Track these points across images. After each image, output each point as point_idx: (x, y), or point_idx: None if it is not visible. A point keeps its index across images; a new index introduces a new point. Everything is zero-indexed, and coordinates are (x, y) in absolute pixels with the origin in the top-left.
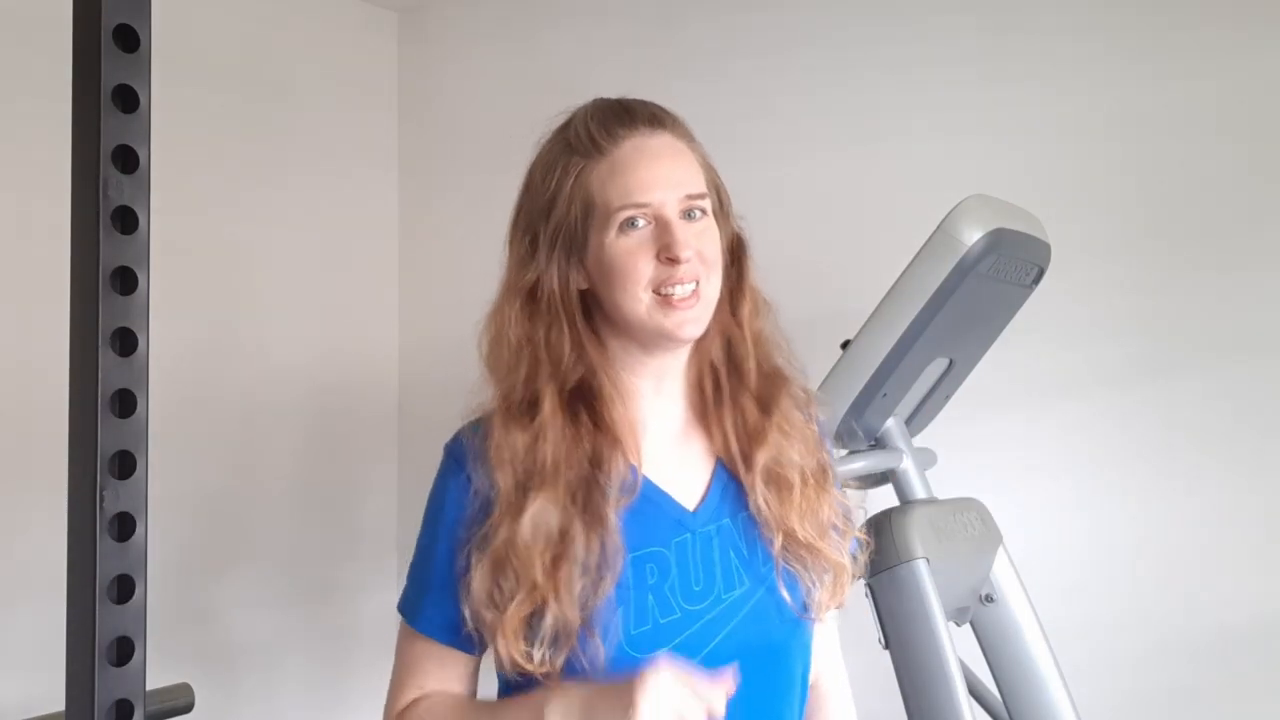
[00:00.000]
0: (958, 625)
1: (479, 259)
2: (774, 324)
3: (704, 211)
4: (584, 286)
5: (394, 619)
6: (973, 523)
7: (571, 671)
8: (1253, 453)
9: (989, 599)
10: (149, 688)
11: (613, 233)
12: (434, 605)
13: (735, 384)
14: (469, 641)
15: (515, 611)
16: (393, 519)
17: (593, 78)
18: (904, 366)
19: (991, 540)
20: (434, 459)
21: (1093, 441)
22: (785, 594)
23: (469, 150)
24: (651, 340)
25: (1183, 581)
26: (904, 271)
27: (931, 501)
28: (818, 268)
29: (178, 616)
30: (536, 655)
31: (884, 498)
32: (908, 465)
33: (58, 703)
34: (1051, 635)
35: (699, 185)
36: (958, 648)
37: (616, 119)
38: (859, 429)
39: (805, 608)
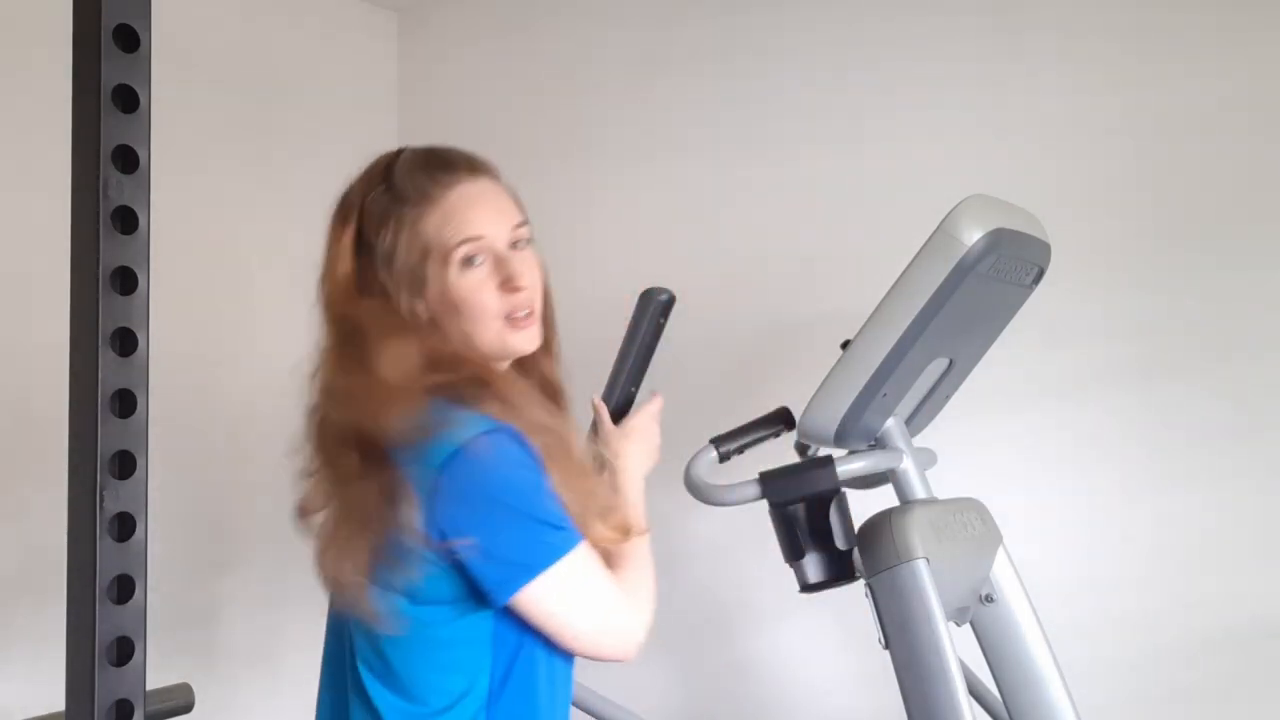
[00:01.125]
0: (958, 625)
1: None
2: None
3: (527, 240)
4: (426, 317)
5: None
6: (973, 523)
7: None
8: (1252, 452)
9: (989, 599)
10: (149, 688)
11: (454, 271)
12: (565, 517)
13: (541, 381)
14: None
15: (585, 500)
16: None
17: (592, 78)
18: (904, 366)
19: (991, 540)
20: None
21: (1093, 441)
22: None
23: (469, 149)
24: (497, 357)
25: (1183, 581)
26: (904, 271)
27: (931, 501)
28: (818, 268)
29: (178, 616)
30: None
31: (884, 498)
32: (908, 465)
33: (58, 703)
34: (1051, 635)
35: (520, 215)
36: (958, 648)
37: (441, 169)
38: (859, 429)
39: None
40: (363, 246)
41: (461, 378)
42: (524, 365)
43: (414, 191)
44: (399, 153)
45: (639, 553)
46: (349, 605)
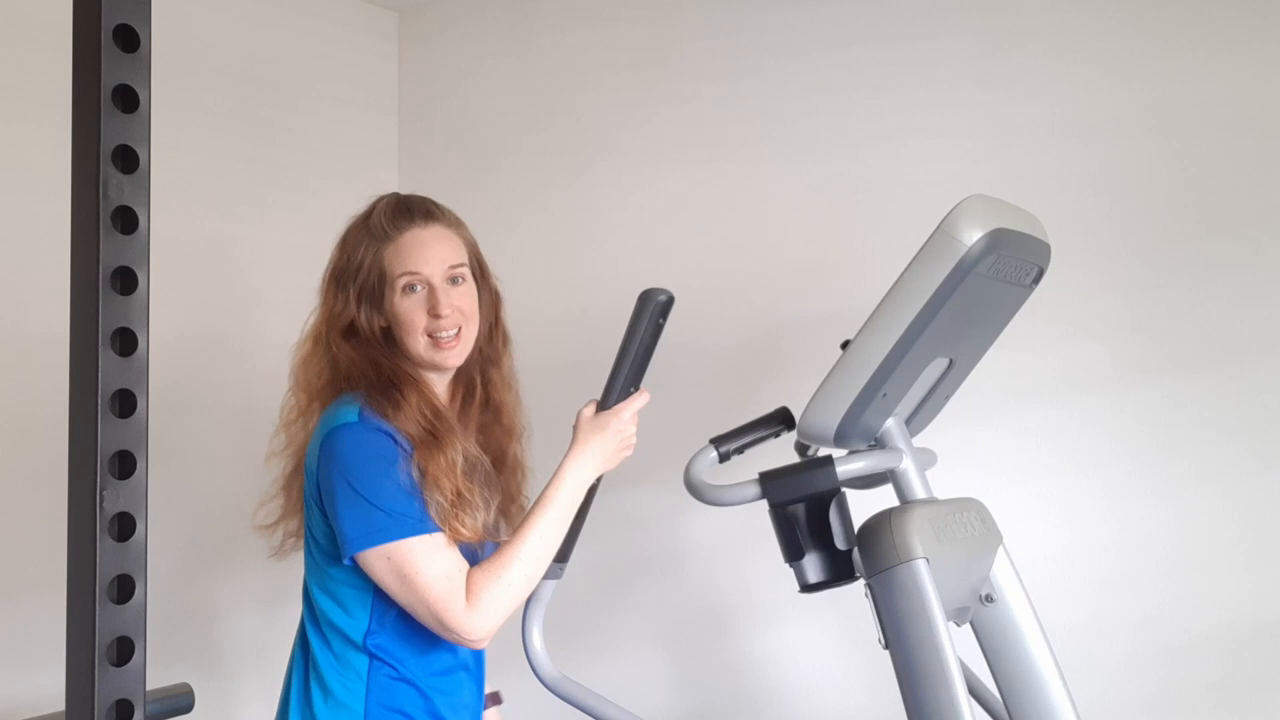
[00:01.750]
0: (958, 625)
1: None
2: (511, 358)
3: (464, 278)
4: (384, 325)
5: None
6: (973, 523)
7: None
8: (1251, 452)
9: (989, 599)
10: (149, 688)
11: (398, 294)
12: (417, 509)
13: (485, 401)
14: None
15: (451, 500)
16: None
17: (592, 78)
18: (904, 366)
19: (991, 540)
20: None
21: (1092, 441)
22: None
23: (469, 150)
24: (427, 367)
25: (1183, 581)
26: (904, 271)
27: (931, 501)
28: (818, 268)
29: (178, 616)
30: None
31: (884, 498)
32: (908, 465)
33: (58, 703)
34: (1051, 635)
35: (459, 258)
36: (958, 648)
37: (401, 215)
38: (859, 429)
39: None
40: (343, 266)
41: (375, 379)
42: (467, 379)
43: (380, 230)
44: (383, 198)
45: (521, 552)
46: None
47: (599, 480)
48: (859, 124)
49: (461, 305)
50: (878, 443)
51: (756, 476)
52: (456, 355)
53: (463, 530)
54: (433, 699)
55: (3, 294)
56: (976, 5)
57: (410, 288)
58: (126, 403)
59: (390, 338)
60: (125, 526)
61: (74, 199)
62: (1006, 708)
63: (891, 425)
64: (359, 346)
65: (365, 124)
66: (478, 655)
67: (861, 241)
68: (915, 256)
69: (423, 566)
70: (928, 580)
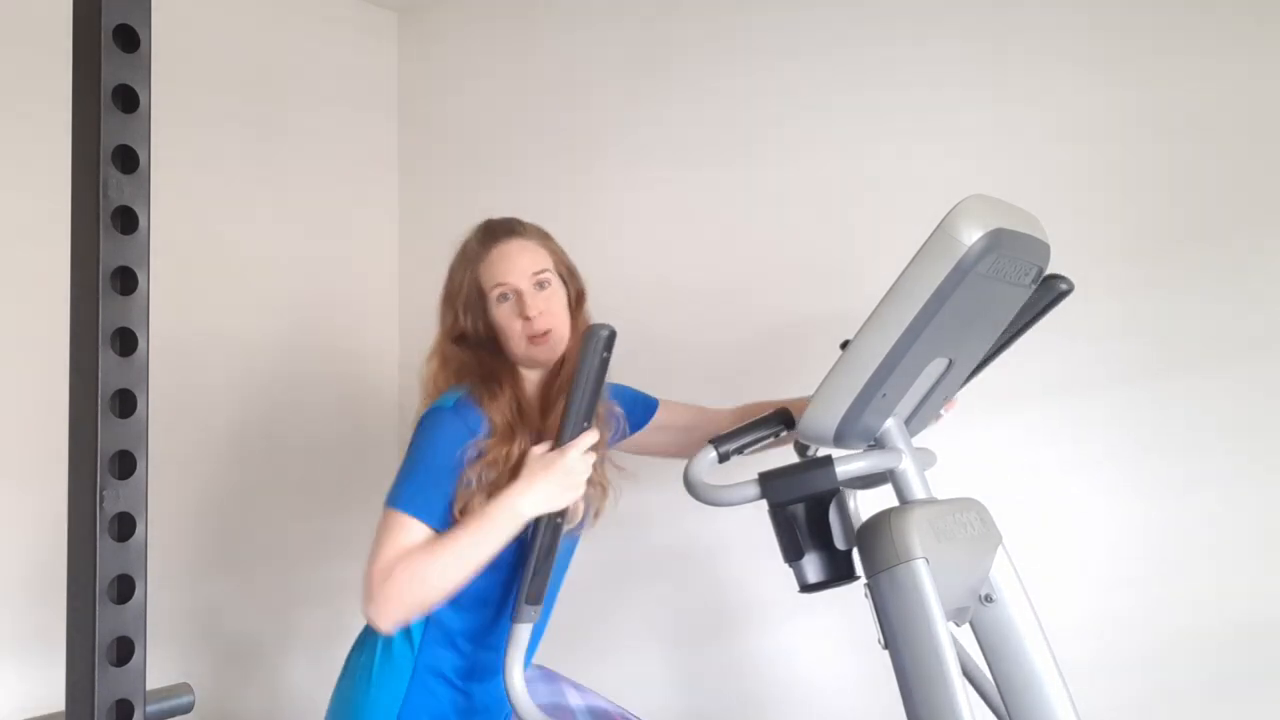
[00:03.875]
0: (957, 625)
1: None
2: None
3: (549, 283)
4: (489, 335)
5: None
6: (972, 523)
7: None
8: (1251, 452)
9: (989, 599)
10: (149, 688)
11: (493, 304)
12: (440, 504)
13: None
14: (446, 526)
15: (487, 491)
16: None
17: (591, 78)
18: (903, 366)
19: (991, 540)
20: None
21: (1092, 441)
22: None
23: (469, 150)
24: (528, 363)
25: (1183, 581)
26: (903, 271)
27: (931, 501)
28: (818, 268)
29: (178, 616)
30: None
31: (884, 498)
32: (907, 465)
33: (58, 703)
34: (1051, 635)
35: (543, 265)
36: (959, 647)
37: (487, 235)
38: (858, 429)
39: (581, 524)
40: (449, 290)
41: (480, 373)
42: (560, 372)
43: (472, 252)
44: (475, 226)
45: (437, 554)
46: None
47: (569, 525)
48: (859, 124)
49: (548, 307)
50: (877, 443)
51: (756, 476)
52: (549, 351)
53: (472, 509)
54: (473, 676)
55: (3, 294)
56: (977, 5)
57: (503, 297)
58: (126, 403)
59: (495, 345)
60: (125, 526)
61: (74, 199)
62: (1006, 708)
63: (891, 425)
64: (468, 349)
65: (365, 124)
66: (530, 647)
67: (861, 241)
68: (915, 256)
69: (390, 539)
70: (927, 580)
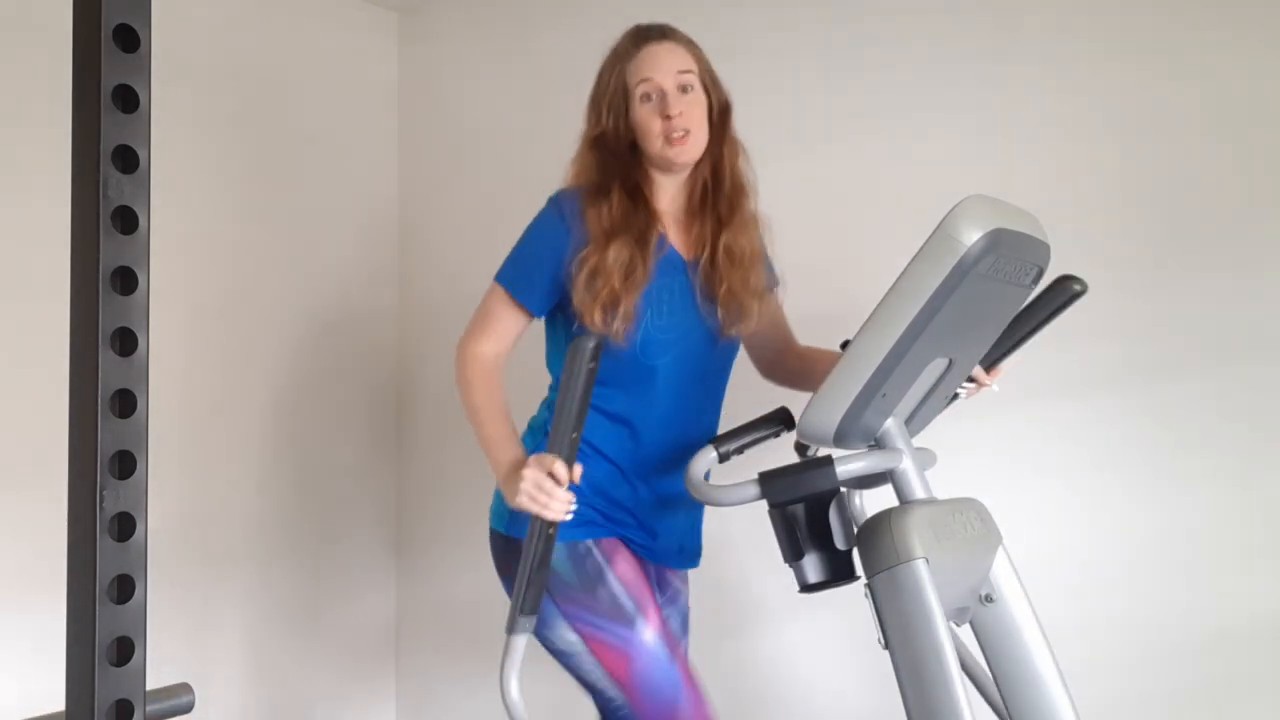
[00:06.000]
0: (958, 625)
1: (479, 258)
2: (747, 163)
3: (692, 86)
4: (630, 139)
5: (393, 618)
6: (972, 523)
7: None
8: (1250, 453)
9: (989, 599)
10: (149, 688)
11: (636, 103)
12: (535, 287)
13: (715, 195)
14: (539, 311)
15: (602, 300)
16: (392, 520)
17: (592, 78)
18: (903, 366)
19: (991, 540)
20: (433, 462)
21: (1092, 442)
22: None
23: (469, 149)
24: (664, 165)
25: (1182, 581)
26: (903, 271)
27: (931, 501)
28: (818, 268)
29: (178, 616)
30: (613, 326)
31: (884, 498)
32: (907, 465)
33: (58, 703)
34: (1051, 635)
35: (688, 65)
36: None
37: (639, 35)
38: (858, 429)
39: (729, 335)
40: (597, 91)
41: (597, 181)
42: (701, 178)
43: (623, 50)
44: (630, 29)
45: (474, 420)
46: None
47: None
48: (859, 124)
49: (689, 110)
50: (877, 443)
51: (756, 476)
52: (686, 153)
53: (595, 321)
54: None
55: (3, 294)
56: (977, 5)
57: (646, 97)
58: (126, 403)
59: (635, 150)
60: (125, 526)
61: (74, 199)
62: (1006, 707)
63: (891, 425)
64: (599, 153)
65: (365, 124)
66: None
67: (861, 242)
68: (914, 256)
69: (484, 304)
70: (927, 580)
